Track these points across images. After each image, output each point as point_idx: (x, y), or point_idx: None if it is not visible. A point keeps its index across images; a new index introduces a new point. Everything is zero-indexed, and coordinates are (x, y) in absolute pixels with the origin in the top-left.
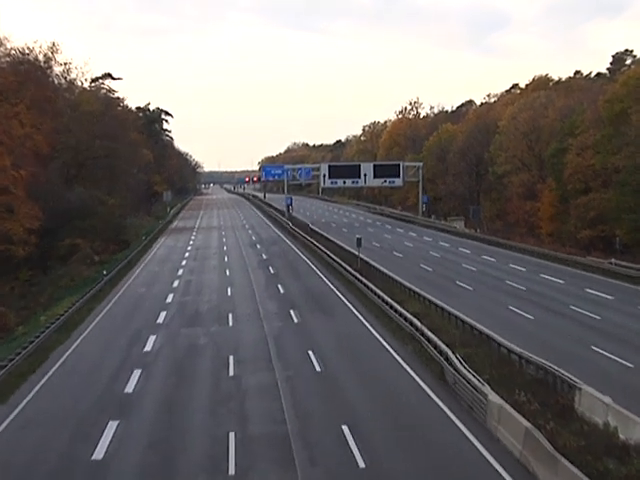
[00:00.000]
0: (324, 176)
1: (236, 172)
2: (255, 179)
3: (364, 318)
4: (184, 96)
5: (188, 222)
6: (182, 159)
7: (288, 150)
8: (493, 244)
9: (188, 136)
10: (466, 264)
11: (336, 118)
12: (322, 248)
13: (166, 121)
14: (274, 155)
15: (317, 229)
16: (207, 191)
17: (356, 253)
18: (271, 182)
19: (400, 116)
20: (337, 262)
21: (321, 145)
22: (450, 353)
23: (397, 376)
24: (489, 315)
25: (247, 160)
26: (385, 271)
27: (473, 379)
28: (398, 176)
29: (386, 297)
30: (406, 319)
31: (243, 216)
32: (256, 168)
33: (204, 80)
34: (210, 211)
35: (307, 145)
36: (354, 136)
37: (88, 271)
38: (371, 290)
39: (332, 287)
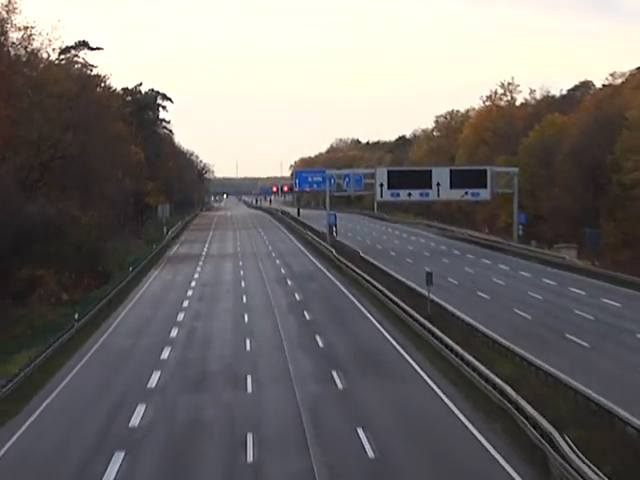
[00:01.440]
0: (381, 186)
1: (259, 179)
2: (285, 188)
3: (436, 385)
4: (189, 77)
5: (192, 247)
6: (184, 160)
7: (331, 149)
8: (618, 282)
9: (194, 130)
10: (579, 310)
11: (398, 106)
12: (377, 286)
13: (164, 108)
14: (312, 156)
15: (371, 259)
16: (219, 204)
17: (425, 293)
18: (307, 193)
19: (488, 103)
20: (398, 305)
21: (377, 143)
22: (557, 435)
23: (483, 467)
24: (612, 382)
25: (274, 163)
26: (465, 318)
27: (589, 472)
28: (484, 186)
29: (467, 355)
30: (495, 386)
31: (268, 240)
32: (287, 174)
33: (216, 56)
34: (223, 232)
35: (358, 142)
36: (423, 131)
37: (53, 314)
38: (446, 345)
39: (391, 340)
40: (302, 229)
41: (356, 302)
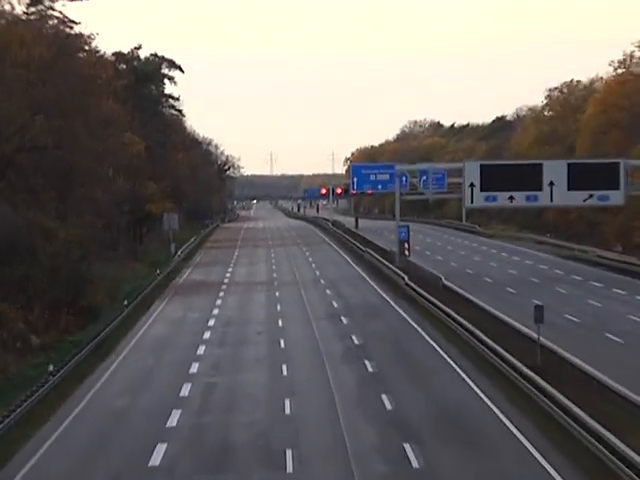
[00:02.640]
0: (472, 186)
1: (302, 177)
2: (339, 190)
3: (548, 461)
4: (206, 38)
5: (210, 272)
6: (200, 152)
7: (402, 137)
8: None
9: (213, 112)
10: None
11: (494, 77)
12: (466, 325)
13: (171, 80)
14: (374, 146)
15: (457, 288)
16: (247, 212)
17: (533, 335)
18: (369, 196)
19: (621, 71)
20: (495, 352)
21: (466, 127)
22: None
23: None
24: None
25: (323, 156)
26: (589, 370)
27: None
28: (616, 186)
29: (596, 425)
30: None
31: (315, 262)
32: (341, 171)
33: (243, 13)
34: (253, 251)
35: (439, 126)
36: (530, 109)
37: (19, 365)
38: (563, 408)
39: (486, 400)
40: (361, 246)
41: (436, 347)
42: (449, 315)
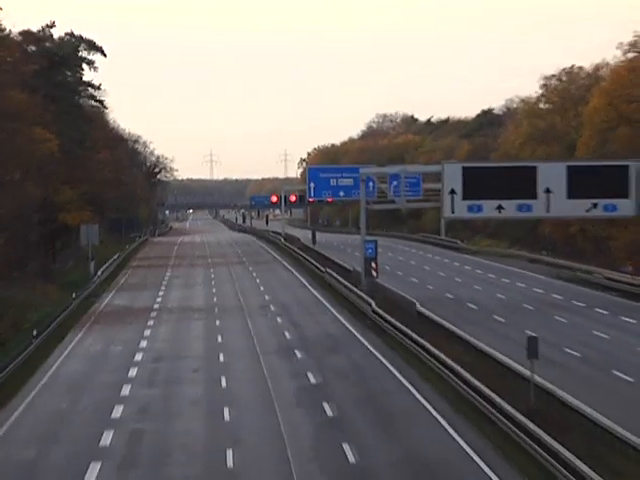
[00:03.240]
0: (452, 193)
1: (249, 182)
2: (292, 198)
3: None
4: (135, 17)
5: (138, 296)
6: (126, 152)
7: (369, 133)
8: None
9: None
10: None
11: (479, 60)
12: (445, 360)
13: (91, 65)
14: (335, 145)
15: (434, 316)
16: (182, 224)
17: (526, 373)
18: (329, 205)
19: (631, 55)
20: (481, 393)
21: (446, 122)
22: None
23: None
24: None
25: (273, 157)
26: (593, 415)
27: None
28: (624, 194)
29: None
30: None
31: (264, 284)
32: (295, 175)
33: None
34: (189, 270)
35: (413, 121)
36: (523, 101)
37: None
38: (564, 463)
39: (468, 450)
40: (320, 266)
41: (409, 386)
42: (425, 348)
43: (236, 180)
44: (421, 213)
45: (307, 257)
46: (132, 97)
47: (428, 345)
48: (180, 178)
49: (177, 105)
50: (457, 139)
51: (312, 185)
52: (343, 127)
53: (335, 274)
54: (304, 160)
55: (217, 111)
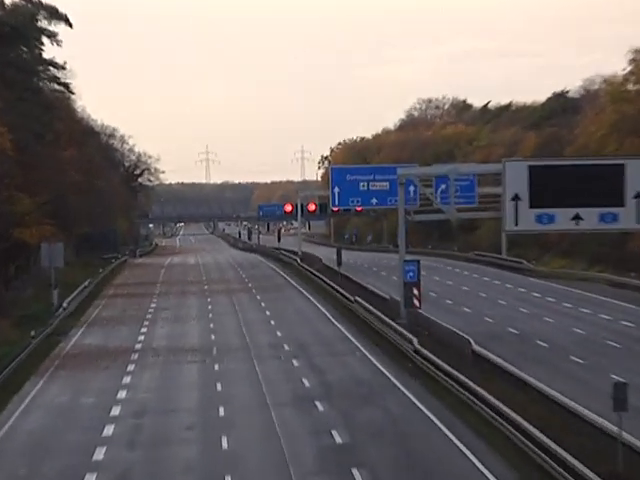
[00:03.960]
0: (516, 199)
1: (256, 187)
2: (311, 207)
3: None
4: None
5: (113, 334)
6: (98, 148)
7: (409, 124)
8: None
9: (119, 91)
10: None
11: (550, 37)
12: (506, 412)
13: (52, 38)
14: (366, 138)
15: (493, 356)
16: (171, 241)
17: (612, 428)
18: (357, 215)
19: None
20: (550, 451)
21: (507, 108)
22: None
23: None
24: None
25: (287, 156)
26: None
27: None
28: None
29: None
30: None
31: (275, 316)
32: (314, 177)
33: None
34: (179, 302)
35: (466, 107)
36: (606, 82)
37: None
38: None
39: None
40: (347, 293)
41: (462, 447)
42: (482, 398)
43: (239, 184)
44: (476, 226)
45: (330, 282)
46: (106, 80)
47: (486, 394)
48: (168, 182)
49: (164, 91)
50: (522, 130)
51: (336, 190)
52: (375, 116)
53: (366, 304)
54: (326, 158)
55: (215, 99)
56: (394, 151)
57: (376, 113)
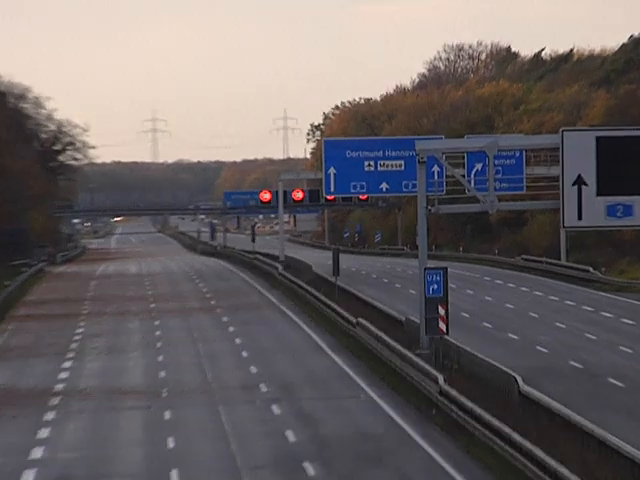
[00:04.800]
0: (579, 183)
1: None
2: (298, 194)
3: None
4: None
5: (26, 369)
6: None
7: (431, 79)
8: None
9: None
10: None
11: None
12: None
13: None
14: (373, 100)
15: (549, 400)
16: (104, 242)
17: None
18: (360, 205)
19: None
20: None
21: (566, 58)
22: None
23: None
24: None
25: (263, 125)
26: None
27: None
28: None
29: None
30: None
31: (248, 345)
32: (300, 154)
33: None
34: (117, 325)
35: (510, 56)
36: None
37: None
38: None
39: None
40: (346, 313)
41: None
42: (533, 458)
43: (198, 164)
44: (524, 220)
45: (324, 299)
46: (12, 23)
47: (539, 453)
48: (100, 161)
49: (94, 38)
50: (587, 88)
51: (332, 172)
52: (386, 70)
53: (374, 328)
54: (317, 128)
55: (164, 48)
56: (412, 118)
57: (387, 66)
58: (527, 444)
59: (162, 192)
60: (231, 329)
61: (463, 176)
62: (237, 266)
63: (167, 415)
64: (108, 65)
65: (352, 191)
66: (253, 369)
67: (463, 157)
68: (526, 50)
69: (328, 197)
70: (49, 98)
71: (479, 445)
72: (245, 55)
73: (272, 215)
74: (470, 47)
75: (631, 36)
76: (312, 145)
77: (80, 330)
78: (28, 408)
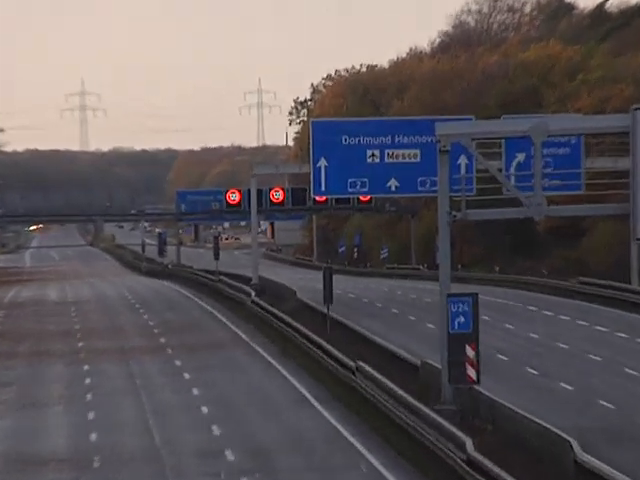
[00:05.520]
0: None
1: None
2: (278, 195)
3: None
4: None
5: None
6: None
7: (456, 36)
8: None
9: None
10: None
11: None
12: None
13: None
14: (379, 67)
15: (613, 473)
16: (15, 259)
17: None
18: (359, 209)
19: None
20: None
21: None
22: None
23: None
24: None
25: (229, 101)
26: None
27: None
28: None
29: None
30: None
31: (209, 397)
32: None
33: None
34: (32, 370)
35: (564, 9)
36: None
37: None
38: None
39: None
40: (341, 355)
41: None
42: None
43: (143, 154)
44: (581, 230)
45: (312, 335)
46: None
47: None
48: (11, 149)
49: None
50: None
51: (323, 163)
52: (396, 29)
53: (378, 375)
54: (303, 105)
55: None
56: (430, 92)
57: (398, 22)
58: None
59: (93, 191)
60: (187, 376)
61: (500, 170)
62: (195, 291)
63: None
64: (23, 24)
65: (350, 190)
66: (216, 430)
67: (500, 145)
68: (585, 0)
69: (317, 198)
70: None
71: None
72: (204, 8)
73: (242, 223)
74: None
75: None
76: (296, 128)
77: None
78: None
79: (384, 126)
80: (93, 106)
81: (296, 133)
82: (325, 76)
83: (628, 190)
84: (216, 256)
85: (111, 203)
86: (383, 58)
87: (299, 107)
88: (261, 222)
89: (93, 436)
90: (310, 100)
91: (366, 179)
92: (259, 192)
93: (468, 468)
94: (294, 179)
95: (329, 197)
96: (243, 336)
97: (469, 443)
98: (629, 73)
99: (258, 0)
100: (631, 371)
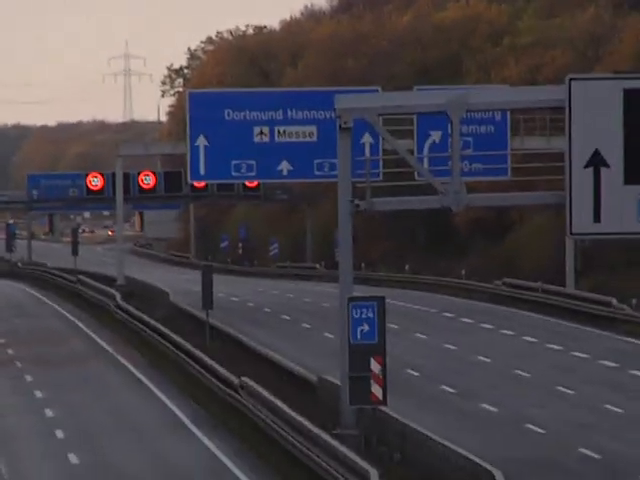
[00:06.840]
0: (595, 163)
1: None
2: (149, 181)
3: None
4: None
5: None
6: None
7: None
8: None
9: None
10: None
11: None
12: None
13: None
14: (269, 30)
15: None
16: None
17: None
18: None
19: None
20: None
21: None
22: None
23: None
24: None
25: (90, 68)
26: None
27: None
28: None
29: None
30: None
31: (64, 419)
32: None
33: None
34: None
35: None
36: None
37: None
38: None
39: None
40: (222, 369)
41: None
42: None
43: None
44: (507, 223)
45: (188, 347)
46: None
47: None
48: None
49: None
50: (611, 11)
51: (202, 142)
52: None
53: (267, 393)
54: (178, 73)
55: None
56: (329, 58)
57: None
58: None
59: None
60: (39, 394)
61: (411, 152)
62: (49, 294)
63: None
64: None
65: (234, 175)
66: (74, 458)
67: (411, 122)
68: None
69: (195, 184)
70: None
71: None
72: None
73: (105, 212)
74: None
75: None
76: (169, 101)
77: None
78: None
79: (274, 98)
80: None
81: (170, 106)
82: (205, 39)
83: (562, 175)
84: (74, 252)
85: None
86: (274, 19)
87: (173, 76)
88: (128, 212)
89: None
90: (187, 68)
91: (253, 161)
92: (126, 176)
93: None
94: (168, 161)
95: (209, 182)
96: (106, 347)
97: (374, 474)
98: (563, 37)
99: None
100: (565, 389)
